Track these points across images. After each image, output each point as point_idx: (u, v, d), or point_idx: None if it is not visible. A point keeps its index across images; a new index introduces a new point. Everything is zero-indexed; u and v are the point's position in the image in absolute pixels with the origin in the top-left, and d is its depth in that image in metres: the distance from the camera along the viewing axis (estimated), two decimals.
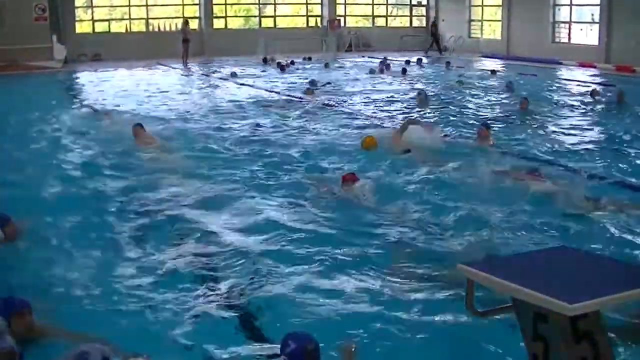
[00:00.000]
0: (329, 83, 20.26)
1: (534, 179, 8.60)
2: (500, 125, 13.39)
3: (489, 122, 13.08)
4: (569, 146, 11.60)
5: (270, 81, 21.43)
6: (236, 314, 5.34)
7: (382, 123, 13.98)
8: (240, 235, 7.11)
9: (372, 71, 23.61)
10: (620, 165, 10.20)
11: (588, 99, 17.00)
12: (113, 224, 7.48)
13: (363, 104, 16.87)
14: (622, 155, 10.90)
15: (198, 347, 4.81)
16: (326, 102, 16.72)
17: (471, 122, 13.72)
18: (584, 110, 15.76)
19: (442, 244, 6.80)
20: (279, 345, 4.15)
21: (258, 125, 13.38)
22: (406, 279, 5.93)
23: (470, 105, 16.45)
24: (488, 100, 17.28)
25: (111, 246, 6.81)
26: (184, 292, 5.69)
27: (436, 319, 5.19)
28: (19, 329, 4.43)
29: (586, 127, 13.71)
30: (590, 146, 11.63)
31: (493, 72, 23.29)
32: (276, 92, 18.74)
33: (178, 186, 8.90)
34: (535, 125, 13.51)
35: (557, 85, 21.13)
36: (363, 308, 5.37)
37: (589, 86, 19.41)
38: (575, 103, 16.77)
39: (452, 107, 15.97)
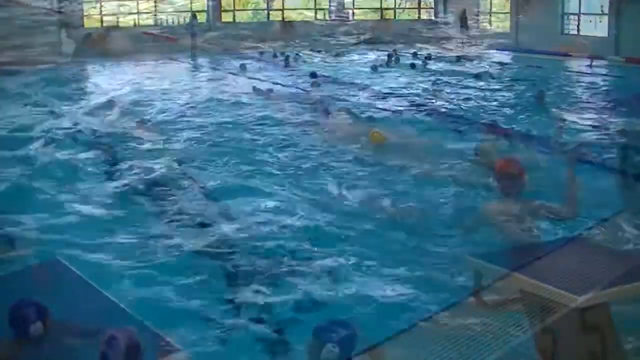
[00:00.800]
0: (327, 76, 20.19)
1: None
2: (516, 118, 13.37)
3: (503, 115, 13.06)
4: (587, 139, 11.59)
5: (276, 73, 21.39)
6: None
7: (391, 116, 13.96)
8: (246, 229, 7.14)
9: (380, 64, 23.52)
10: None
11: (599, 91, 16.91)
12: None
13: (369, 97, 16.80)
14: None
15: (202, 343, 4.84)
16: (329, 95, 16.67)
17: (483, 115, 13.66)
18: (598, 103, 15.72)
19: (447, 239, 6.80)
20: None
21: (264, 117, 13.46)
22: (415, 275, 5.94)
23: (484, 99, 16.37)
24: (502, 94, 17.20)
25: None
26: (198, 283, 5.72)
27: (443, 315, 5.18)
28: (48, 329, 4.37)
29: (603, 120, 13.67)
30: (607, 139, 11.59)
31: (503, 64, 23.17)
32: (281, 85, 18.73)
33: (185, 179, 8.95)
34: (552, 117, 13.48)
35: (569, 77, 21.02)
36: (376, 308, 5.35)
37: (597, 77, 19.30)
38: (588, 95, 16.71)
39: (467, 101, 15.91)
